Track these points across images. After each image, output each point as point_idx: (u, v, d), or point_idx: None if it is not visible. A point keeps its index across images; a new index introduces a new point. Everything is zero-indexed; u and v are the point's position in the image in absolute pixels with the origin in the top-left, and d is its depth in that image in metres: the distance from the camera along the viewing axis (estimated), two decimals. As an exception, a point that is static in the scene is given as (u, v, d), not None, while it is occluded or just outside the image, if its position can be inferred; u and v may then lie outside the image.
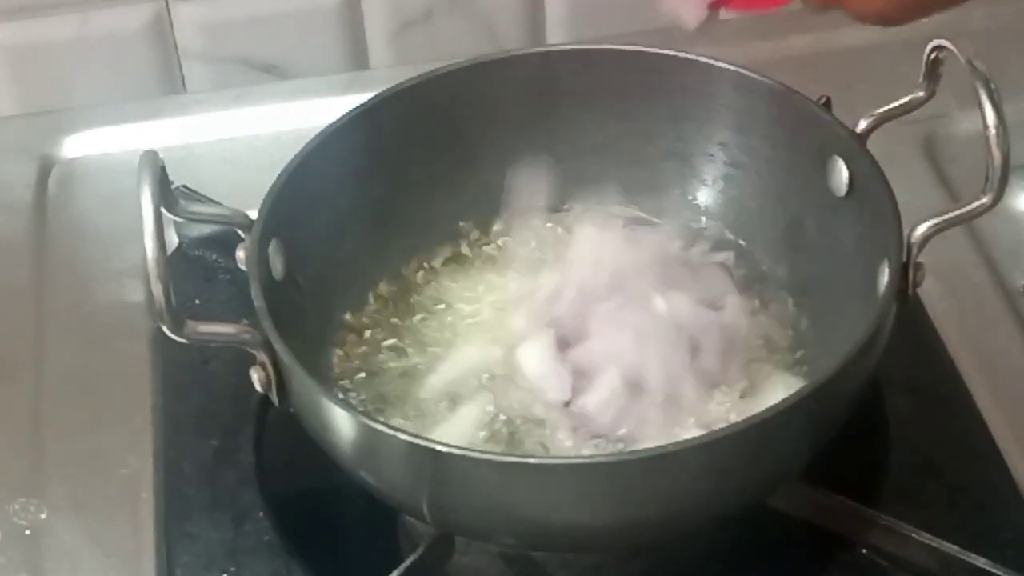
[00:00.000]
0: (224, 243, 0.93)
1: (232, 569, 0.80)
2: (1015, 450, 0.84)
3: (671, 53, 0.87)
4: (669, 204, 0.92)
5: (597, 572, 0.80)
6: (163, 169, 0.70)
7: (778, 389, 0.80)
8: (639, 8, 1.16)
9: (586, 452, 0.77)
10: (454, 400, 0.82)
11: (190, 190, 0.95)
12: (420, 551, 0.76)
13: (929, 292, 0.88)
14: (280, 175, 0.81)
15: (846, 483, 0.79)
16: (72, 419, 0.90)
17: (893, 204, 0.77)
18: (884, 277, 0.75)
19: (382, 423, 0.70)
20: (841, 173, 0.82)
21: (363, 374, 0.84)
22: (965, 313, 0.92)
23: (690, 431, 0.76)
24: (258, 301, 0.74)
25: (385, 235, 0.90)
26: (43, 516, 0.84)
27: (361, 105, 0.86)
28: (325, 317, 0.86)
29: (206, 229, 0.97)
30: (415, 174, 0.90)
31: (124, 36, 1.12)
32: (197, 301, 0.94)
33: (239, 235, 0.79)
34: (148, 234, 0.67)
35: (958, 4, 0.73)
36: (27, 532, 0.84)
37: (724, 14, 0.77)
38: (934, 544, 0.76)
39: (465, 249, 0.91)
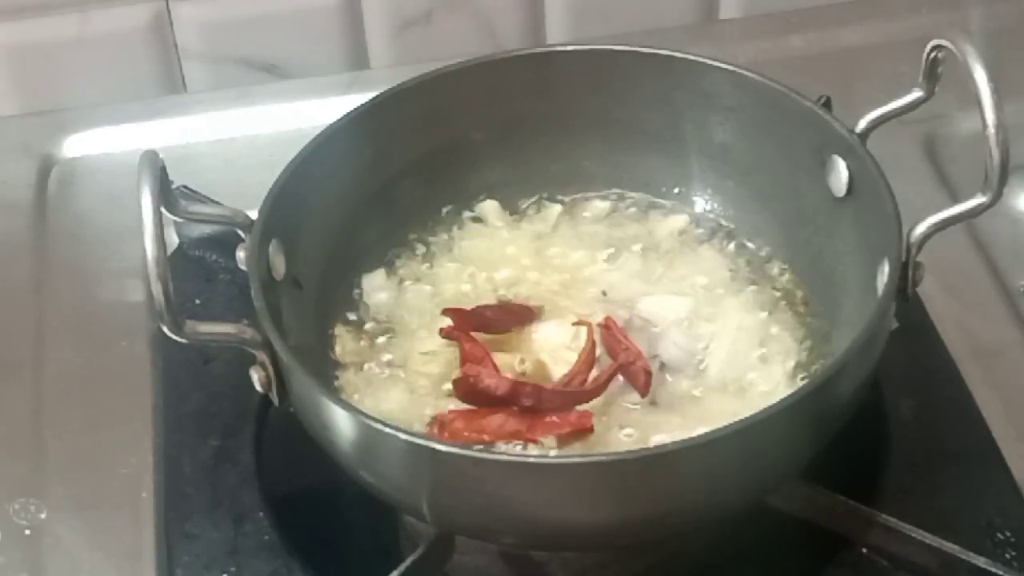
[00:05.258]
0: (224, 243, 0.93)
1: (232, 569, 0.80)
2: (1015, 449, 0.84)
3: (671, 53, 0.87)
4: (669, 204, 0.92)
5: (597, 571, 0.80)
6: (163, 169, 0.70)
7: (778, 388, 0.80)
8: (639, 8, 1.16)
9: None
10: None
11: (190, 190, 0.95)
12: (420, 550, 0.76)
13: (929, 291, 0.88)
14: (280, 175, 0.81)
15: (846, 482, 0.79)
16: (72, 419, 0.90)
17: (893, 203, 0.77)
18: (884, 276, 0.75)
19: (382, 422, 0.70)
20: (841, 172, 0.82)
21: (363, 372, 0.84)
22: (965, 312, 0.92)
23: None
24: (258, 301, 0.74)
25: (385, 234, 0.90)
26: (43, 516, 0.84)
27: (361, 105, 0.86)
28: (325, 316, 0.86)
29: (206, 229, 0.97)
30: (415, 174, 0.90)
31: (124, 36, 1.12)
32: (197, 301, 0.94)
33: (239, 235, 0.79)
34: (148, 234, 0.67)
35: None
36: (27, 532, 0.84)
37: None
38: (934, 544, 0.76)
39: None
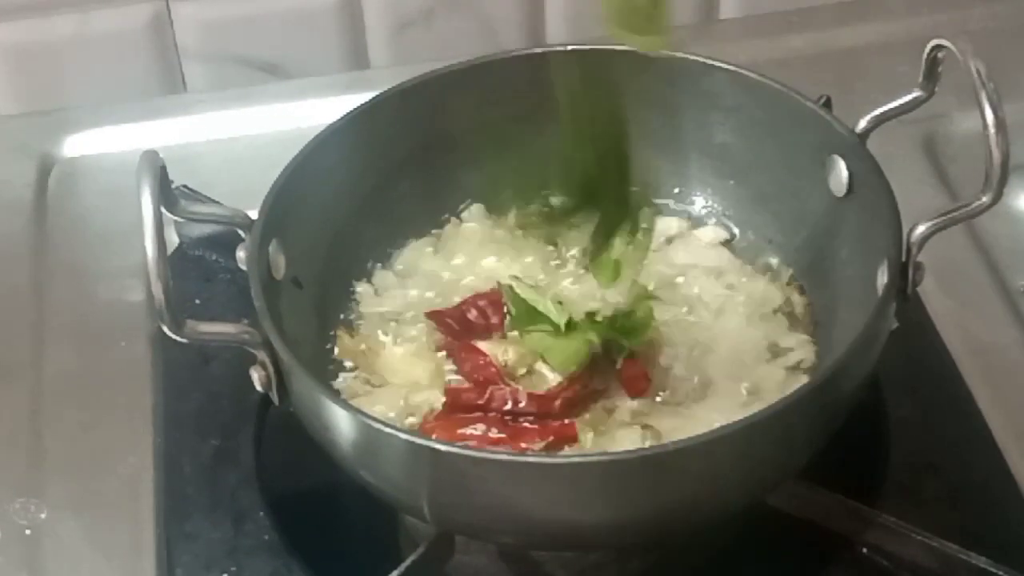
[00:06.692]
0: (224, 243, 0.93)
1: (232, 569, 0.80)
2: (1015, 448, 0.84)
3: (671, 53, 0.87)
4: (669, 203, 0.92)
5: (596, 571, 0.80)
6: (163, 169, 0.70)
7: (778, 388, 0.80)
8: (639, 8, 1.16)
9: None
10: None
11: (190, 190, 0.95)
12: (420, 550, 0.76)
13: (929, 291, 0.88)
14: (280, 175, 0.81)
15: (846, 482, 0.79)
16: (72, 419, 0.90)
17: (893, 203, 0.77)
18: (884, 276, 0.75)
19: (382, 422, 0.70)
20: (841, 172, 0.82)
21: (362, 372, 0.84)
22: (965, 312, 0.92)
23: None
24: (258, 301, 0.74)
25: (385, 234, 0.90)
26: (43, 516, 0.84)
27: (361, 105, 0.86)
28: (325, 316, 0.86)
29: (206, 229, 0.97)
30: (415, 174, 0.90)
31: (124, 35, 1.12)
32: (197, 301, 0.94)
33: (239, 235, 0.79)
34: (148, 234, 0.67)
35: None
36: (27, 532, 0.84)
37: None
38: (934, 543, 0.76)
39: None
